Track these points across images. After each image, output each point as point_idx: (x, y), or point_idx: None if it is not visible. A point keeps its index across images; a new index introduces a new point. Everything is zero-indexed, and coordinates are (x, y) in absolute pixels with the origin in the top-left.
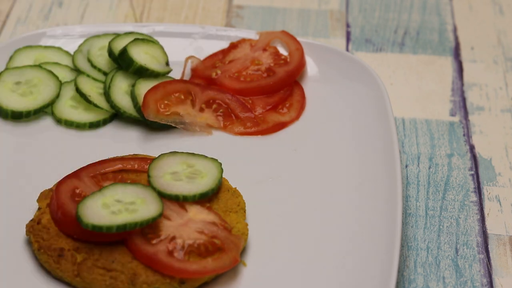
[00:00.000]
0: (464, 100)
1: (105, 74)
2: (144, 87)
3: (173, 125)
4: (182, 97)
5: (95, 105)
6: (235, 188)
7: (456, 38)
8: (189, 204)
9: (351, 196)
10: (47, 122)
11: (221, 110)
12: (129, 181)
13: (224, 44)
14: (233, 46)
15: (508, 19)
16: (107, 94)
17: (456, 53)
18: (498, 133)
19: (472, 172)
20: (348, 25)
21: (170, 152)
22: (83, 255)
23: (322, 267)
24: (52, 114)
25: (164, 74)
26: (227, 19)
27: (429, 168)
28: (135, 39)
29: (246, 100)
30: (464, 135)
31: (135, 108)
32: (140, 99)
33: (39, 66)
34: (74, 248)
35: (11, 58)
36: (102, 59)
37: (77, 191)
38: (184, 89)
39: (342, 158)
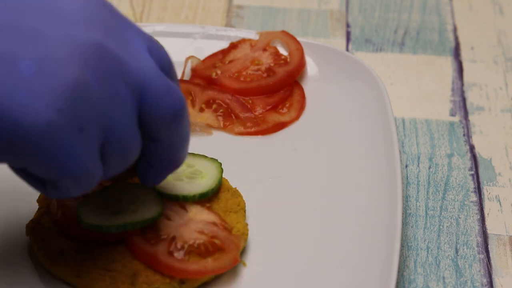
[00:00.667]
0: (464, 100)
1: None
2: None
3: None
4: None
5: None
6: (235, 188)
7: (456, 38)
8: (189, 204)
9: (351, 196)
10: None
11: (221, 110)
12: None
13: (224, 44)
14: (233, 46)
15: (508, 19)
16: None
17: (456, 53)
18: (498, 133)
19: (472, 172)
20: (348, 25)
21: None
22: (83, 255)
23: (322, 267)
24: None
25: None
26: (227, 19)
27: (429, 168)
28: None
29: (246, 100)
30: (464, 135)
31: None
32: None
33: None
34: (74, 248)
35: None
36: None
37: None
38: (184, 89)
39: (342, 158)
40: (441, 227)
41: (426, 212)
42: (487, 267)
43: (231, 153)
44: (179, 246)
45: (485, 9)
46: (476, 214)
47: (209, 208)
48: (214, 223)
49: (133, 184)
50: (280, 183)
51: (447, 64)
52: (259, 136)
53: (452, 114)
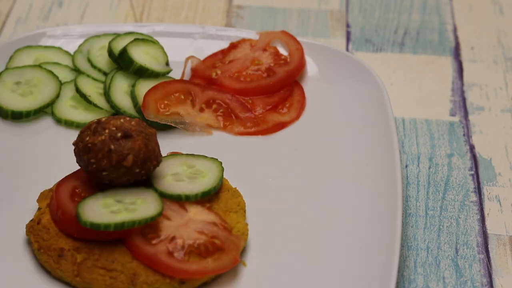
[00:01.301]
0: (464, 100)
1: (105, 74)
2: (144, 87)
3: (173, 125)
4: (182, 97)
5: (95, 105)
6: (235, 188)
7: (456, 38)
8: (189, 204)
9: (351, 196)
10: (47, 122)
11: (221, 110)
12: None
13: (224, 44)
14: (233, 46)
15: (508, 19)
16: (107, 94)
17: (456, 53)
18: (498, 133)
19: (472, 172)
20: (348, 25)
21: (170, 155)
22: (83, 255)
23: (322, 267)
24: (52, 114)
25: (164, 74)
26: (227, 19)
27: (429, 168)
28: (135, 39)
29: (246, 100)
30: (464, 135)
31: (135, 108)
32: (140, 99)
33: (39, 66)
34: (74, 248)
35: (11, 58)
36: (102, 59)
37: (77, 191)
38: (184, 89)
39: (342, 158)
40: (441, 227)
41: (426, 212)
42: (487, 267)
43: (231, 153)
44: (179, 246)
45: (485, 9)
46: (476, 214)
47: (209, 208)
48: (214, 223)
49: (133, 184)
50: (280, 183)
51: (447, 64)
52: (259, 136)
53: (452, 114)
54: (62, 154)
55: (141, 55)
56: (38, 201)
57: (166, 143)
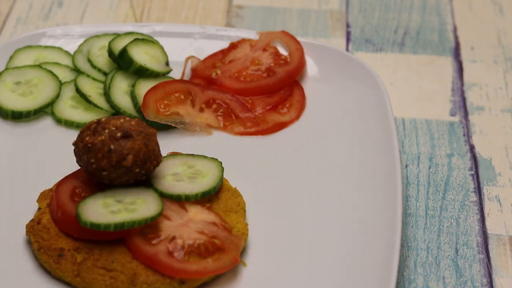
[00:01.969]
0: (464, 100)
1: (105, 74)
2: (144, 87)
3: (173, 125)
4: (182, 97)
5: (95, 105)
6: (235, 188)
7: (456, 38)
8: (189, 204)
9: (351, 196)
10: (47, 122)
11: (221, 110)
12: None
13: (224, 44)
14: (233, 46)
15: (508, 19)
16: (107, 94)
17: (456, 53)
18: (498, 133)
19: (472, 172)
20: (348, 25)
21: (170, 155)
22: (83, 255)
23: (322, 267)
24: (52, 114)
25: (164, 74)
26: (227, 19)
27: (429, 168)
28: (135, 39)
29: (246, 100)
30: (464, 135)
31: (135, 108)
32: (140, 99)
33: (39, 66)
34: (74, 248)
35: (11, 58)
36: (102, 59)
37: (77, 191)
38: (184, 89)
39: (342, 158)
40: (441, 227)
41: (426, 212)
42: (487, 267)
43: (231, 153)
44: (179, 246)
45: (485, 9)
46: (476, 214)
47: (209, 208)
48: (214, 223)
49: (133, 184)
50: (280, 183)
51: (447, 64)
52: (259, 136)
53: (452, 114)
54: (62, 154)
55: (141, 55)
56: (38, 201)
57: (166, 143)
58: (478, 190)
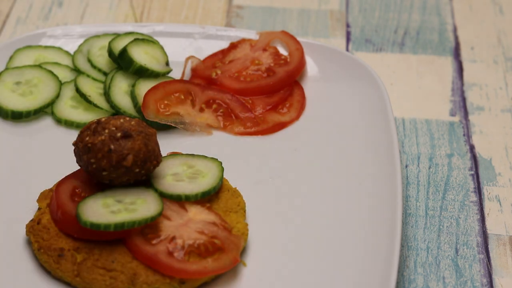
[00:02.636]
0: (464, 100)
1: (105, 74)
2: (144, 87)
3: (173, 125)
4: (182, 97)
5: (95, 105)
6: (235, 188)
7: (456, 38)
8: (189, 204)
9: (351, 196)
10: (47, 122)
11: (221, 110)
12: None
13: (224, 44)
14: (233, 46)
15: (508, 19)
16: (107, 94)
17: (456, 53)
18: (498, 133)
19: (472, 172)
20: (348, 25)
21: (170, 155)
22: (83, 255)
23: (322, 267)
24: (52, 114)
25: (164, 74)
26: (227, 19)
27: (429, 168)
28: (135, 39)
29: (246, 100)
30: (464, 135)
31: (135, 108)
32: (140, 99)
33: (39, 66)
34: (74, 248)
35: (11, 58)
36: (102, 59)
37: (77, 191)
38: (184, 89)
39: (342, 158)
40: (441, 227)
41: (426, 212)
42: (487, 267)
43: (231, 153)
44: (179, 246)
45: (485, 9)
46: (476, 214)
47: (209, 208)
48: (214, 223)
49: (133, 184)
50: (280, 183)
51: (447, 64)
52: (259, 136)
53: (452, 114)
54: (62, 154)
55: (141, 55)
56: (38, 201)
57: (166, 143)
58: (478, 190)
